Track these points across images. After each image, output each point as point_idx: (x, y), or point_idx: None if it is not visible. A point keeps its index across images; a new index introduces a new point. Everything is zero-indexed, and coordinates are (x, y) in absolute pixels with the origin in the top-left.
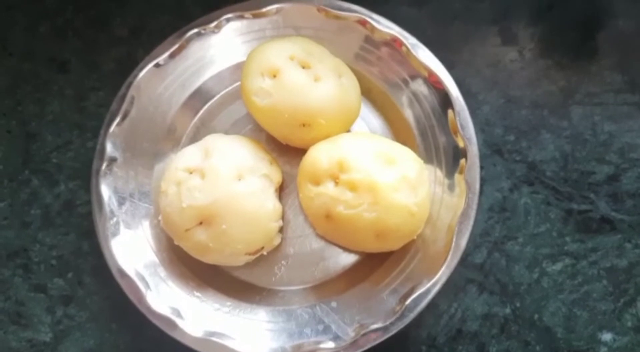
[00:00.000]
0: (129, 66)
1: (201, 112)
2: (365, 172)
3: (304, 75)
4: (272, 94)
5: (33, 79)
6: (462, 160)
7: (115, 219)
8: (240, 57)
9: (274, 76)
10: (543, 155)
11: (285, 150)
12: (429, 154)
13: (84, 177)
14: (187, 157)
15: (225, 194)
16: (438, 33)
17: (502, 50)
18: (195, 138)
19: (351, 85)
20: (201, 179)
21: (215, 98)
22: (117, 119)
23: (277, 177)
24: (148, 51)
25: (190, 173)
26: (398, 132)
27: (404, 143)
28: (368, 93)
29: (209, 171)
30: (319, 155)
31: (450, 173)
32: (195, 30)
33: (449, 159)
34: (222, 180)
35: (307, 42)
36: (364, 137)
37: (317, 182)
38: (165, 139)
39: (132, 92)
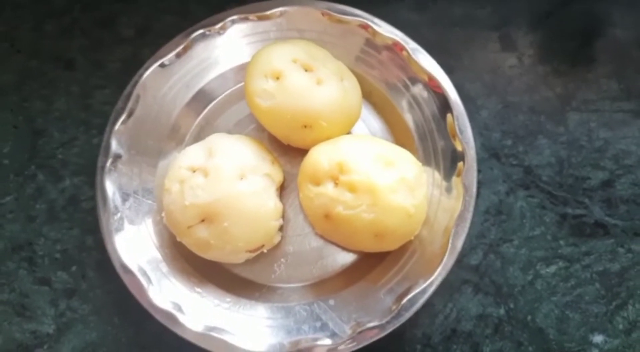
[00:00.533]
0: (134, 65)
1: (205, 111)
2: (364, 174)
3: (306, 78)
4: (275, 96)
5: (40, 76)
6: (460, 164)
7: (119, 215)
8: (244, 58)
9: (277, 78)
10: (539, 160)
11: (287, 150)
12: (427, 157)
13: (89, 173)
14: (190, 156)
15: (227, 192)
16: (438, 38)
17: (501, 56)
18: (198, 137)
19: (353, 88)
20: (204, 178)
21: (218, 98)
22: (123, 117)
23: (278, 176)
24: (153, 51)
25: (194, 171)
26: (398, 134)
27: (403, 145)
28: (369, 96)
29: (212, 170)
30: (320, 157)
31: (448, 176)
32: (201, 31)
33: (447, 162)
34: (224, 179)
35: (310, 45)
36: (363, 140)
37: (317, 183)
38: (169, 138)
39: (137, 90)
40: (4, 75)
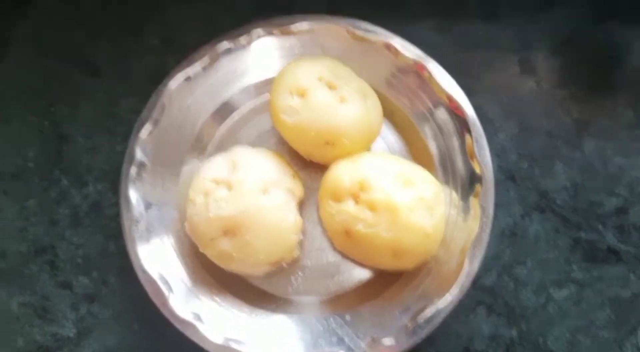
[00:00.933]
0: (159, 74)
1: (228, 123)
2: (384, 193)
3: (330, 96)
4: (299, 113)
5: (66, 81)
6: (478, 185)
7: (141, 223)
8: (268, 72)
9: (302, 95)
10: (555, 184)
11: (306, 163)
12: (445, 177)
13: (113, 179)
14: (214, 167)
15: (250, 206)
16: (459, 59)
17: (521, 79)
18: (221, 147)
19: (374, 107)
20: (228, 191)
21: (242, 110)
22: (147, 126)
23: (299, 191)
24: (178, 60)
25: (218, 184)
26: (416, 152)
27: (422, 164)
28: (389, 114)
29: (236, 184)
30: (341, 174)
31: (465, 196)
32: (226, 43)
33: (465, 182)
34: (248, 193)
35: (334, 63)
36: (384, 158)
37: (338, 199)
38: (192, 147)
39: (162, 100)
40: (31, 80)
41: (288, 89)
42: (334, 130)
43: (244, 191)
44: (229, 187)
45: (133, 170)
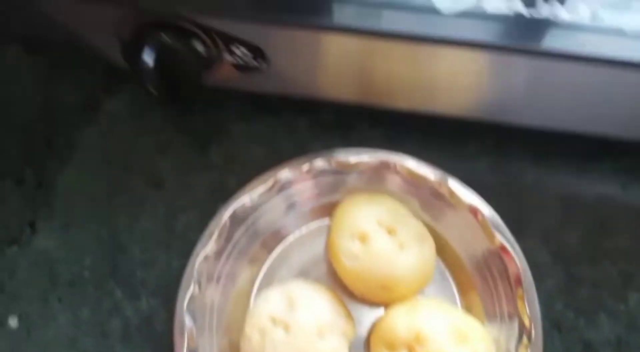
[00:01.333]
0: (220, 193)
1: (280, 248)
2: (440, 348)
3: (390, 243)
4: (359, 258)
5: (128, 191)
6: (525, 337)
7: (193, 346)
8: (324, 199)
9: (363, 240)
10: (598, 336)
11: (356, 298)
12: (492, 321)
13: (166, 295)
14: (271, 303)
15: (306, 351)
16: (509, 201)
17: (568, 225)
18: (273, 273)
19: (430, 251)
20: (285, 332)
21: (295, 234)
22: (208, 250)
23: (351, 333)
24: (239, 180)
25: (275, 323)
26: (465, 292)
27: (469, 305)
28: (439, 250)
29: (293, 325)
30: (398, 323)
31: (513, 346)
32: (288, 172)
33: (512, 330)
34: (304, 336)
35: (392, 203)
36: (439, 308)
37: (392, 349)
38: (245, 270)
39: (224, 224)
40: (94, 186)
41: (349, 232)
42: (392, 278)
43: (301, 334)
44: (286, 327)
45: (190, 293)
